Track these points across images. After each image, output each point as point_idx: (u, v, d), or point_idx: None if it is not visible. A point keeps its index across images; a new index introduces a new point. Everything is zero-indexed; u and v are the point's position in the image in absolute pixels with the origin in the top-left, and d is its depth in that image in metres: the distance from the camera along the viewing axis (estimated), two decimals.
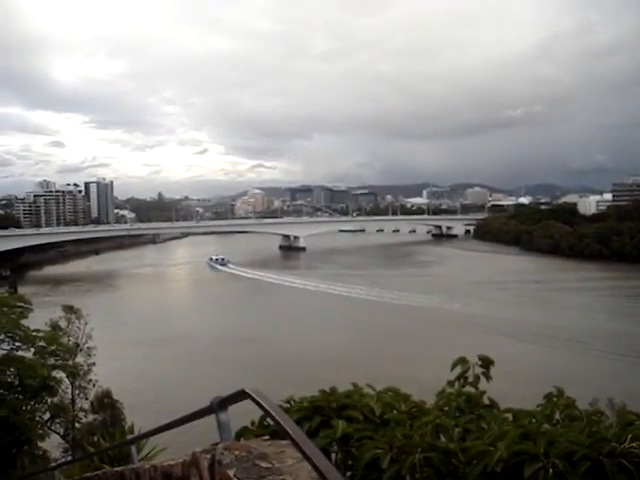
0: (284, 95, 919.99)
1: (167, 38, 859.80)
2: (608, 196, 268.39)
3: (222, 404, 4.57)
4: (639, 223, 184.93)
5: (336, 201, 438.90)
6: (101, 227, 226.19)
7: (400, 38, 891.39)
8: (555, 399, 5.61)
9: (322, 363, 58.24)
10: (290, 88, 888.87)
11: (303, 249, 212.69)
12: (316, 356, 64.45)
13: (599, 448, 3.81)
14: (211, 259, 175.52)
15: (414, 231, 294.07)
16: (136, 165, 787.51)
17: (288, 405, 5.26)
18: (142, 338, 76.84)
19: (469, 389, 5.70)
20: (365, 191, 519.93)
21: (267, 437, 4.49)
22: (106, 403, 35.53)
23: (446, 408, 5.19)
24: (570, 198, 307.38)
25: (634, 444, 3.78)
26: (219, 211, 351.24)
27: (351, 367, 47.93)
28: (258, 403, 3.80)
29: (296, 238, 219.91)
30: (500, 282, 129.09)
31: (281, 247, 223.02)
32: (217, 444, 4.23)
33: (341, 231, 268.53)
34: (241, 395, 4.13)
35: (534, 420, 4.88)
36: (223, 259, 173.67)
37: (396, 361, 60.88)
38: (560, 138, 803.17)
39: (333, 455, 4.69)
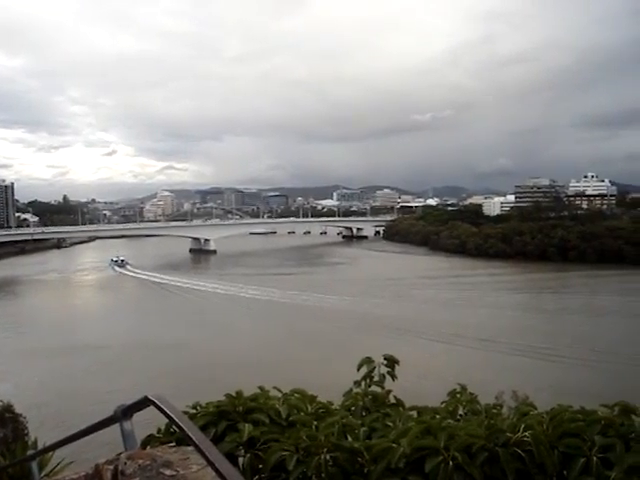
0: (196, 97, 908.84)
1: (75, 35, 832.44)
2: (511, 198, 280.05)
3: (126, 412, 4.44)
4: (539, 223, 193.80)
5: (247, 203, 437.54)
6: (0, 232, 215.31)
7: (315, 42, 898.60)
8: (459, 395, 5.77)
9: (232, 368, 57.64)
10: (202, 90, 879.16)
11: (214, 252, 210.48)
12: (225, 361, 63.73)
13: (495, 439, 3.98)
14: (112, 261, 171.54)
15: (325, 233, 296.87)
16: (40, 166, 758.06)
17: (194, 411, 5.18)
18: (46, 347, 73.81)
19: (375, 388, 5.78)
20: (276, 193, 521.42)
21: (173, 444, 4.41)
22: (7, 418, 33.85)
23: (353, 408, 5.25)
24: (476, 200, 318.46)
25: (526, 433, 3.97)
26: (128, 214, 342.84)
27: (260, 371, 47.68)
28: (161, 410, 3.72)
29: (207, 241, 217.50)
30: (410, 282, 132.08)
31: (191, 250, 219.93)
32: (121, 454, 4.13)
33: (252, 233, 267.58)
34: (144, 402, 4.03)
35: (438, 416, 5.00)
36: (122, 260, 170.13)
37: (306, 363, 61.08)
38: (467, 142, 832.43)
39: (241, 459, 4.66)
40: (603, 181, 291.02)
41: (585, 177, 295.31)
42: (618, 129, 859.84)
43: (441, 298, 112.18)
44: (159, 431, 5.19)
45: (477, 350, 73.86)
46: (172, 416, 3.62)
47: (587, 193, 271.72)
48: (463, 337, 79.39)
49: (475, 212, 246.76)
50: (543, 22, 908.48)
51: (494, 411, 5.10)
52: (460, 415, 5.44)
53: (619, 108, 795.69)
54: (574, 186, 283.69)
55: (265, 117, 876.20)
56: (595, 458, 3.97)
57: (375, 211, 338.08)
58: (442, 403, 5.75)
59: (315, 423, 4.66)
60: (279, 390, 5.36)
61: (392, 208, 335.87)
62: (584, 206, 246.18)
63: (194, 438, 3.29)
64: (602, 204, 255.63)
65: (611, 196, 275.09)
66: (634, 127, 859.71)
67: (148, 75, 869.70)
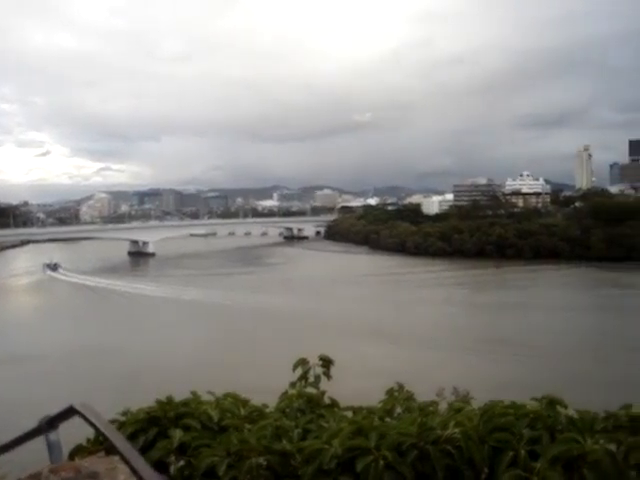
0: (134, 96, 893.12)
1: (4, 30, 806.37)
2: (450, 197, 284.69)
3: (51, 423, 4.30)
4: (478, 222, 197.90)
5: (186, 204, 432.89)
6: None
7: (253, 42, 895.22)
8: (396, 394, 5.80)
9: (168, 373, 56.52)
10: (140, 89, 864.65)
11: (153, 254, 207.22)
12: (162, 366, 62.51)
13: (426, 437, 4.01)
14: (45, 265, 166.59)
15: (266, 233, 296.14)
16: None
17: (124, 418, 5.05)
18: None
19: (312, 389, 5.77)
20: (216, 194, 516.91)
21: (102, 454, 4.30)
22: None
23: (287, 410, 5.22)
24: (415, 199, 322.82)
25: (457, 430, 4.02)
26: (63, 217, 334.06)
27: (197, 375, 47.04)
28: (86, 419, 3.62)
29: (145, 243, 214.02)
30: (352, 280, 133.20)
31: (130, 253, 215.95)
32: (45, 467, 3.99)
33: (192, 235, 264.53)
34: (70, 412, 3.91)
35: (376, 416, 5.02)
36: (56, 264, 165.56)
37: (248, 366, 60.69)
38: (407, 142, 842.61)
39: (172, 466, 4.57)
40: (538, 180, 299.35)
41: (521, 176, 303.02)
42: (551, 129, 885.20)
43: (380, 296, 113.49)
44: (88, 441, 5.05)
45: (420, 350, 74.80)
46: (97, 425, 3.53)
47: (523, 191, 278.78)
48: (406, 336, 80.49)
49: (414, 211, 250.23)
50: (482, 24, 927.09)
51: (430, 409, 5.15)
52: (398, 414, 5.48)
53: (552, 110, 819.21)
54: (511, 185, 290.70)
55: (204, 117, 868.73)
56: (523, 451, 4.05)
57: (316, 211, 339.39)
58: (380, 402, 5.78)
59: (248, 427, 4.62)
60: (213, 394, 5.29)
61: (333, 208, 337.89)
62: (520, 204, 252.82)
63: (119, 447, 3.21)
64: (537, 202, 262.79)
65: (546, 194, 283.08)
66: (565, 127, 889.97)
67: (85, 74, 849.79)
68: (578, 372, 60.83)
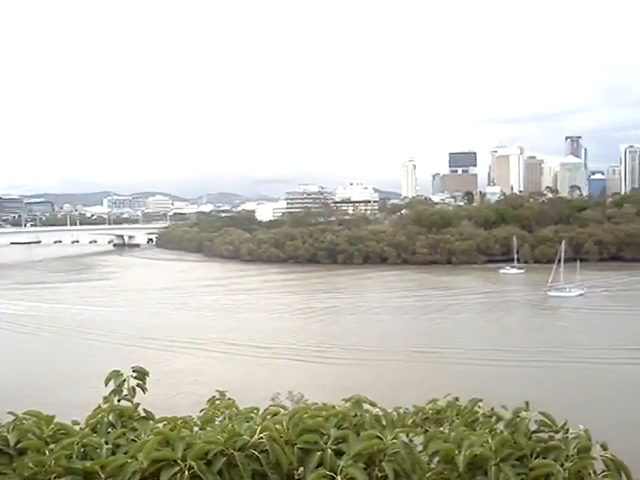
0: None
1: None
2: (283, 204, 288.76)
3: None
4: (310, 228, 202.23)
5: (7, 211, 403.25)
6: None
7: None
8: (218, 402, 5.76)
9: None
10: None
11: None
12: None
13: (233, 443, 4.03)
14: None
15: (95, 241, 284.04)
16: None
17: None
18: None
19: (126, 403, 5.58)
20: (41, 200, 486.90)
21: None
22: None
23: (98, 426, 5.01)
24: (249, 206, 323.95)
25: (263, 435, 4.08)
26: None
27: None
28: None
29: None
30: (182, 289, 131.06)
31: None
32: None
33: (13, 243, 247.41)
34: None
35: (191, 426, 4.94)
36: None
37: (64, 384, 57.74)
38: (243, 149, 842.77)
39: None
40: (367, 188, 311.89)
41: (351, 184, 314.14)
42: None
43: (210, 305, 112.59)
44: None
45: (251, 356, 75.03)
46: None
47: (353, 199, 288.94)
48: (237, 344, 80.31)
49: (249, 218, 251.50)
50: None
51: (252, 414, 5.17)
52: (220, 421, 5.44)
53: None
54: (341, 193, 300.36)
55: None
56: (330, 450, 4.17)
57: (148, 218, 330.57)
58: (201, 411, 5.71)
59: (51, 447, 4.38)
60: (14, 414, 4.95)
61: (165, 215, 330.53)
62: (350, 211, 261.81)
63: None
64: (366, 210, 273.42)
65: (374, 202, 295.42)
66: None
67: None
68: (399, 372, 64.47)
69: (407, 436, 4.78)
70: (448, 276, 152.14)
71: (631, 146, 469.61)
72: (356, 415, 4.63)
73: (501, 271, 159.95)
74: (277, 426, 4.35)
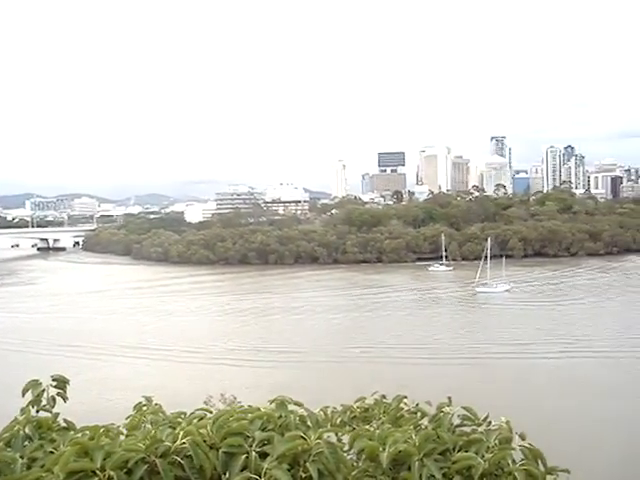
0: None
1: None
2: (213, 204, 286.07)
3: None
4: (240, 229, 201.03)
5: None
6: None
7: None
8: (145, 408, 5.62)
9: None
10: None
11: None
12: None
13: (155, 450, 3.96)
14: None
15: (17, 245, 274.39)
16: None
17: None
18: None
19: (46, 414, 5.38)
20: None
21: None
22: None
23: (13, 440, 4.81)
24: (178, 207, 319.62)
25: (185, 440, 4.03)
26: None
27: None
28: None
29: None
30: (110, 292, 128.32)
31: None
32: None
33: None
34: None
35: (114, 434, 4.81)
36: None
37: None
38: (172, 150, 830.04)
39: None
40: (297, 188, 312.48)
41: (281, 184, 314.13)
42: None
43: (138, 308, 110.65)
44: None
45: (183, 360, 74.00)
46: None
47: (283, 200, 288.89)
48: (167, 348, 79.14)
49: (178, 220, 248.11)
50: None
51: (179, 419, 5.07)
52: (146, 428, 5.32)
53: None
54: (271, 193, 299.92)
55: None
56: (254, 453, 4.14)
57: (73, 221, 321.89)
58: (127, 417, 5.57)
59: None
60: None
61: (92, 217, 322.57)
62: (281, 212, 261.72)
63: None
64: (297, 210, 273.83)
65: (305, 202, 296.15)
66: None
67: None
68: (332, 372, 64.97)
69: (336, 435, 4.81)
70: (379, 274, 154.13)
71: (552, 146, 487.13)
72: (281, 416, 4.62)
73: (430, 268, 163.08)
74: (201, 430, 4.29)
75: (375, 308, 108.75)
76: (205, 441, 4.17)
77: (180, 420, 5.08)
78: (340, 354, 75.27)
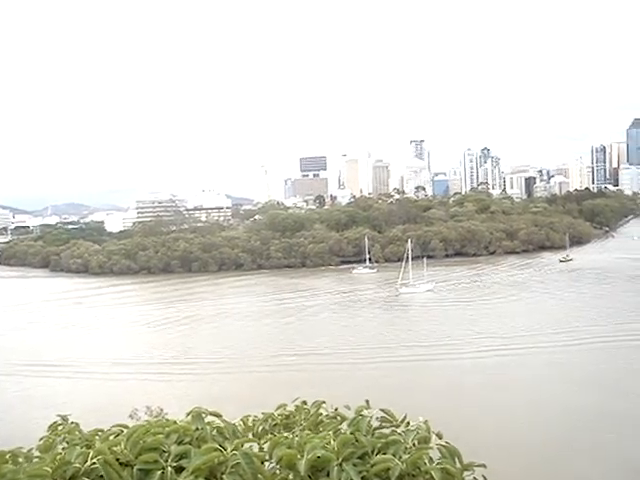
0: None
1: None
2: (134, 213, 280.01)
3: None
4: (162, 237, 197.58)
5: None
6: None
7: None
8: (60, 427, 5.42)
9: None
10: None
11: None
12: None
13: (63, 473, 3.83)
14: None
15: None
16: None
17: None
18: None
19: None
20: None
21: None
22: None
23: None
24: (98, 216, 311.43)
25: (96, 459, 3.91)
26: None
27: None
28: None
29: None
30: (26, 307, 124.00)
31: None
32: None
33: None
34: None
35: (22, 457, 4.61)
36: None
37: None
38: (90, 157, 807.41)
39: None
40: (219, 194, 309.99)
41: (203, 191, 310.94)
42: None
43: (57, 322, 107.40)
44: None
45: (108, 373, 72.19)
46: None
47: (205, 206, 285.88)
48: (91, 362, 77.13)
49: (97, 229, 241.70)
50: None
51: (97, 437, 4.92)
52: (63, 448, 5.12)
53: None
54: (193, 200, 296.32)
55: None
56: (170, 468, 4.06)
57: None
58: (41, 439, 5.36)
59: None
60: None
61: (6, 229, 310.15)
62: (203, 218, 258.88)
63: None
64: (219, 216, 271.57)
65: (227, 208, 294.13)
66: None
67: None
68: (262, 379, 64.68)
69: (259, 444, 4.77)
70: (304, 279, 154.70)
71: (469, 149, 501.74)
72: (197, 429, 4.54)
73: (354, 271, 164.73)
74: (115, 448, 4.18)
75: (301, 312, 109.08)
76: (119, 459, 4.07)
77: (98, 438, 4.94)
78: (269, 361, 75.09)
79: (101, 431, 5.12)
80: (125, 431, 4.76)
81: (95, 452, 3.94)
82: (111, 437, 4.68)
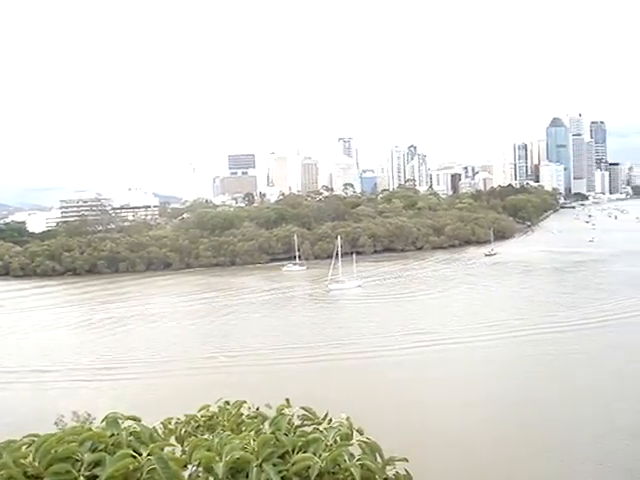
0: None
1: None
2: (57, 212, 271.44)
3: None
4: (88, 237, 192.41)
5: None
6: None
7: None
8: None
9: None
10: None
11: None
12: None
13: None
14: None
15: None
16: None
17: None
18: None
19: None
20: None
21: None
22: None
23: None
24: (19, 216, 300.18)
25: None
26: None
27: None
28: None
29: None
30: None
31: None
32: None
33: None
34: None
35: None
36: None
37: None
38: (8, 155, 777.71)
39: None
40: (146, 193, 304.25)
41: (129, 189, 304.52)
42: None
43: None
44: None
45: (34, 380, 70.14)
46: None
47: (132, 205, 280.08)
48: (13, 370, 74.69)
49: (18, 230, 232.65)
50: None
51: (7, 449, 4.70)
52: None
53: None
54: (120, 198, 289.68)
55: None
56: (82, 478, 3.94)
57: None
58: None
59: None
60: None
61: None
62: (130, 217, 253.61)
63: None
64: (147, 215, 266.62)
65: (154, 207, 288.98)
66: None
67: None
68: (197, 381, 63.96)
69: (182, 447, 4.67)
70: (233, 277, 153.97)
71: (396, 146, 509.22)
72: (112, 435, 4.41)
73: (284, 269, 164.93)
74: (24, 460, 4.01)
75: (231, 311, 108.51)
76: (26, 472, 3.91)
77: (7, 450, 4.74)
78: (200, 362, 74.34)
79: (13, 442, 4.93)
80: (36, 440, 4.59)
81: (2, 464, 3.77)
82: (23, 448, 4.50)
